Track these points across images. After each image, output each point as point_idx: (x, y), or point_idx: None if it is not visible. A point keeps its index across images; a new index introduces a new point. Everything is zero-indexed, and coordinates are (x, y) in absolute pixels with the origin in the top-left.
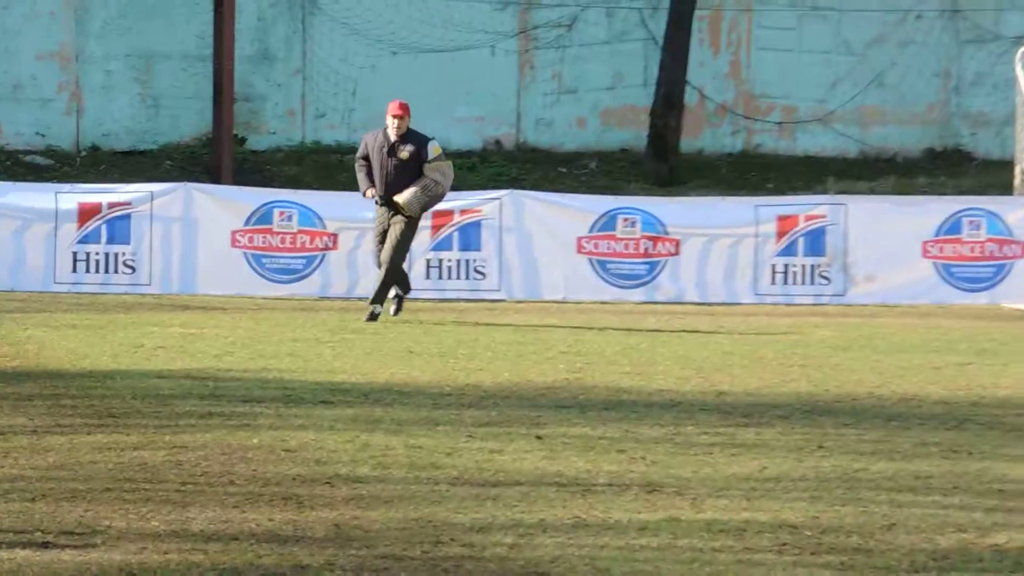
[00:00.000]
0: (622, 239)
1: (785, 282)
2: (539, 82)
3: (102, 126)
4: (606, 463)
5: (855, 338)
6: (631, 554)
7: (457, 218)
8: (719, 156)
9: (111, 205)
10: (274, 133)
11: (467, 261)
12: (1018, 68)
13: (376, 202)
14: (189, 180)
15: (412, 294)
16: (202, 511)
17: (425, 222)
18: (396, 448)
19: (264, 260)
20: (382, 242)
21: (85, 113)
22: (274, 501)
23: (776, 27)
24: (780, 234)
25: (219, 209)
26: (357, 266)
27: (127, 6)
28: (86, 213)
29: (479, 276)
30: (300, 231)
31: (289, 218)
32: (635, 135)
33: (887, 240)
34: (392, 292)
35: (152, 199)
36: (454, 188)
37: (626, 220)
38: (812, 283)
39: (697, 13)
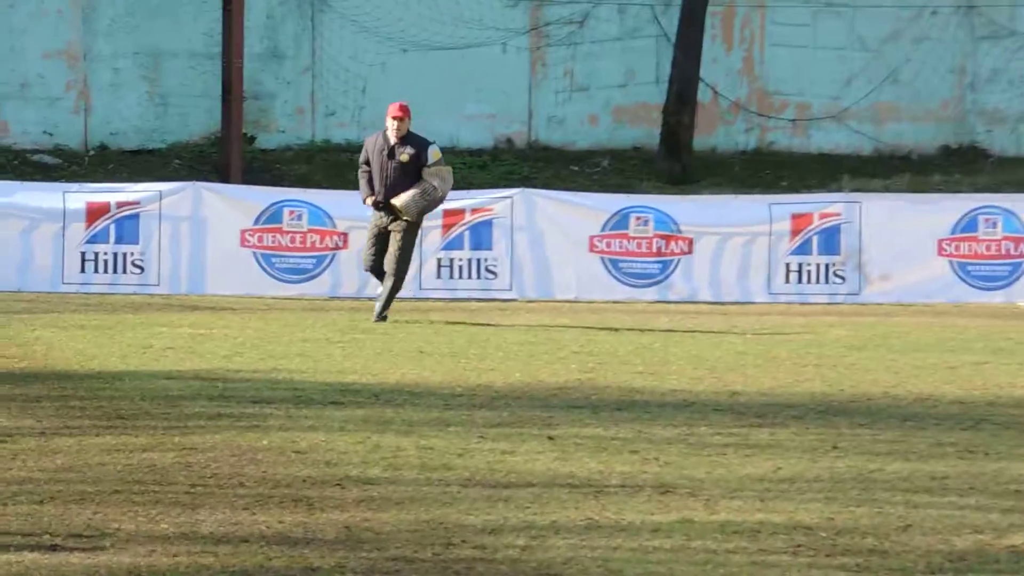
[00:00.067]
0: (635, 238)
1: (799, 281)
2: (551, 79)
3: (110, 125)
4: (619, 464)
5: (870, 337)
6: (644, 556)
7: (468, 217)
8: (732, 154)
9: (119, 204)
10: (283, 132)
11: (478, 260)
12: None
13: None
14: (198, 179)
15: (423, 293)
16: (212, 513)
17: (436, 221)
18: (407, 449)
19: (274, 260)
20: (375, 243)
21: (93, 112)
22: (284, 503)
23: (790, 23)
24: (794, 232)
25: (228, 208)
26: None
27: (135, 4)
28: (94, 213)
29: (490, 275)
30: (310, 230)
31: (299, 217)
32: (647, 133)
33: (902, 238)
34: (379, 292)
35: (161, 198)
36: (465, 187)
37: (639, 219)
38: (826, 282)
39: (710, 9)
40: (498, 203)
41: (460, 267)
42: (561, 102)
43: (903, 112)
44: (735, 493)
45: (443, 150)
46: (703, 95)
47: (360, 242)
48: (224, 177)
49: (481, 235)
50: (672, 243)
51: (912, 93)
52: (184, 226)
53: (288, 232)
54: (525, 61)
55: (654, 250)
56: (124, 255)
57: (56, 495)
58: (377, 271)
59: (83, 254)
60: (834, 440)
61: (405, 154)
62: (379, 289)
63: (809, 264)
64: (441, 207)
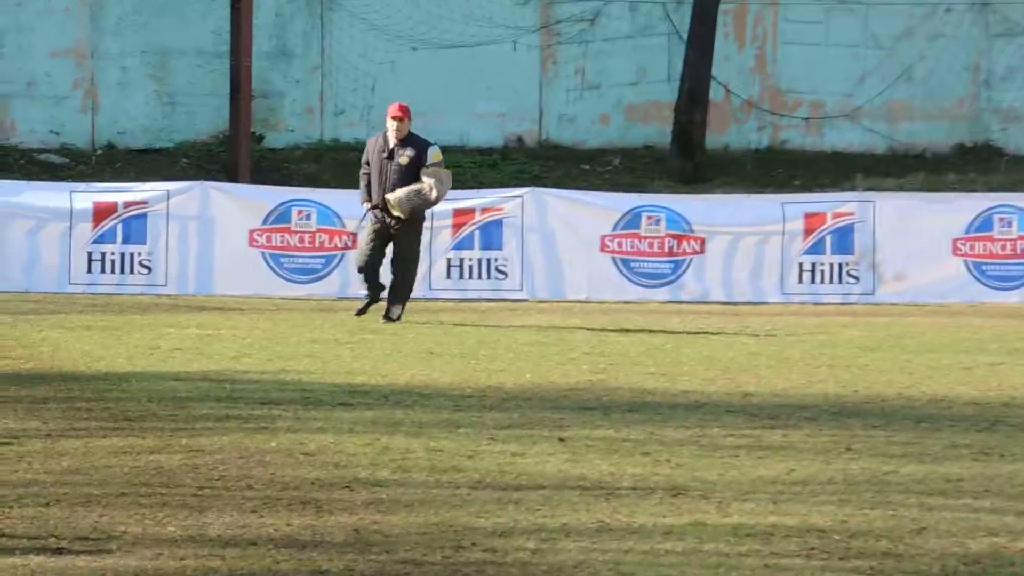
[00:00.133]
0: (646, 237)
1: (812, 281)
2: (561, 78)
3: (117, 124)
4: (630, 466)
5: (884, 338)
6: (656, 559)
7: (478, 216)
8: (745, 152)
9: (127, 204)
10: (292, 130)
11: (488, 260)
12: None
13: (374, 215)
14: (206, 178)
15: (433, 294)
16: (219, 516)
17: (446, 221)
18: (416, 451)
19: (282, 260)
20: (374, 238)
21: (100, 111)
22: (292, 505)
23: (802, 21)
24: (807, 232)
25: (236, 208)
26: None
27: (142, 2)
28: (101, 212)
29: (501, 275)
30: (319, 230)
31: (307, 217)
32: (659, 131)
33: (916, 238)
34: (365, 292)
35: (168, 198)
36: (475, 186)
37: (650, 218)
38: (840, 282)
39: (722, 7)
40: (508, 202)
41: (470, 267)
42: (572, 100)
43: (917, 110)
44: (748, 495)
45: (453, 148)
46: (715, 93)
47: None
48: (232, 176)
49: (491, 235)
50: (684, 243)
51: (926, 91)
52: (192, 226)
53: (297, 232)
54: (536, 59)
55: (666, 250)
56: (131, 255)
57: (62, 497)
58: (369, 273)
59: (90, 254)
60: (848, 442)
61: (404, 156)
62: (362, 291)
63: (822, 264)
64: (451, 207)
